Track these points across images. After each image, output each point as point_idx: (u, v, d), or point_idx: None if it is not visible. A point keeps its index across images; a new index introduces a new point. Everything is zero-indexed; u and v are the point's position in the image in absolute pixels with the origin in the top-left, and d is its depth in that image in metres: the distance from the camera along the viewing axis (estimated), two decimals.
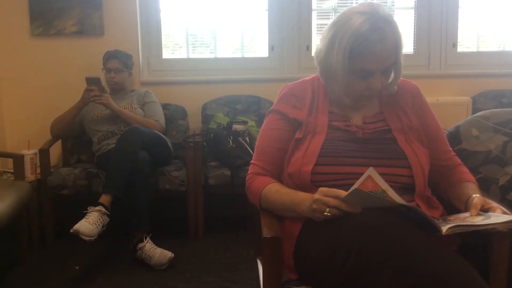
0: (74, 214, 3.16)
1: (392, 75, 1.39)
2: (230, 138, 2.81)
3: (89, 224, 2.28)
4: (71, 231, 2.25)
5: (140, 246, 2.49)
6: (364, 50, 1.28)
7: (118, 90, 3.03)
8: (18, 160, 2.57)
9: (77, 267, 2.50)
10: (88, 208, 2.37)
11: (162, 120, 2.99)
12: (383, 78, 1.35)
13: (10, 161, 2.70)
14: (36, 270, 2.47)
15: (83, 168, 2.74)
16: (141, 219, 2.55)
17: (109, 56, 2.98)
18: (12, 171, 2.65)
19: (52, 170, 2.80)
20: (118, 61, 2.98)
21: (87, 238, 2.26)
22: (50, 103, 3.17)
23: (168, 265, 2.46)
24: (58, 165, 3.09)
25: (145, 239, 2.50)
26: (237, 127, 2.87)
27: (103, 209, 2.37)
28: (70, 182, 2.67)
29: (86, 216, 2.33)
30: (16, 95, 3.18)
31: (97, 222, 2.32)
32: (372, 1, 1.34)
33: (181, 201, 2.80)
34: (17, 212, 2.29)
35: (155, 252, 2.46)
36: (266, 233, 1.25)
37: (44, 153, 2.73)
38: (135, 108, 2.96)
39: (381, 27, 1.27)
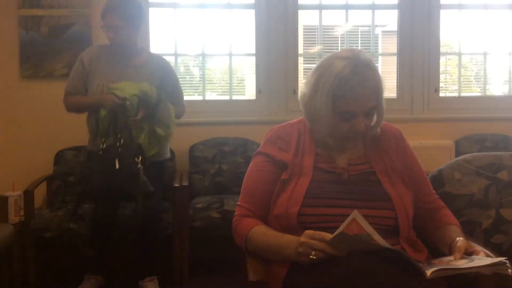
0: (57, 258, 3.06)
1: (375, 117, 1.42)
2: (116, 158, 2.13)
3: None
4: None
5: (146, 281, 2.55)
6: (347, 92, 1.32)
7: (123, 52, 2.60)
8: (2, 202, 2.53)
9: None
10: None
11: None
12: (366, 120, 1.38)
13: None
14: None
15: (67, 210, 2.70)
16: (151, 263, 2.61)
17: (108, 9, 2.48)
18: None
19: (35, 212, 2.75)
20: (118, 18, 2.47)
21: None
22: (38, 144, 3.16)
23: None
24: (43, 207, 3.04)
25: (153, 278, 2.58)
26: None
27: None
28: (53, 224, 2.62)
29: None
30: (3, 136, 3.17)
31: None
32: (354, 48, 1.39)
33: (166, 243, 2.75)
34: None
35: None
36: (252, 276, 1.24)
37: (28, 194, 2.68)
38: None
39: (362, 71, 1.32)
